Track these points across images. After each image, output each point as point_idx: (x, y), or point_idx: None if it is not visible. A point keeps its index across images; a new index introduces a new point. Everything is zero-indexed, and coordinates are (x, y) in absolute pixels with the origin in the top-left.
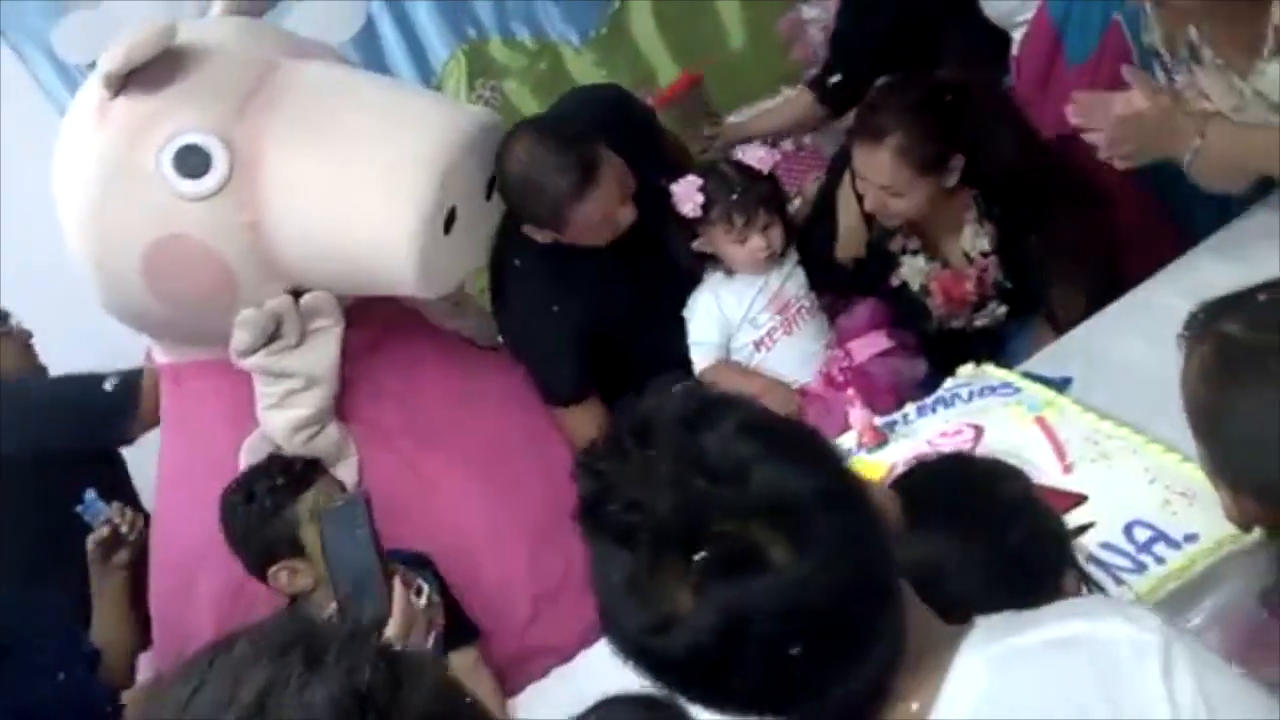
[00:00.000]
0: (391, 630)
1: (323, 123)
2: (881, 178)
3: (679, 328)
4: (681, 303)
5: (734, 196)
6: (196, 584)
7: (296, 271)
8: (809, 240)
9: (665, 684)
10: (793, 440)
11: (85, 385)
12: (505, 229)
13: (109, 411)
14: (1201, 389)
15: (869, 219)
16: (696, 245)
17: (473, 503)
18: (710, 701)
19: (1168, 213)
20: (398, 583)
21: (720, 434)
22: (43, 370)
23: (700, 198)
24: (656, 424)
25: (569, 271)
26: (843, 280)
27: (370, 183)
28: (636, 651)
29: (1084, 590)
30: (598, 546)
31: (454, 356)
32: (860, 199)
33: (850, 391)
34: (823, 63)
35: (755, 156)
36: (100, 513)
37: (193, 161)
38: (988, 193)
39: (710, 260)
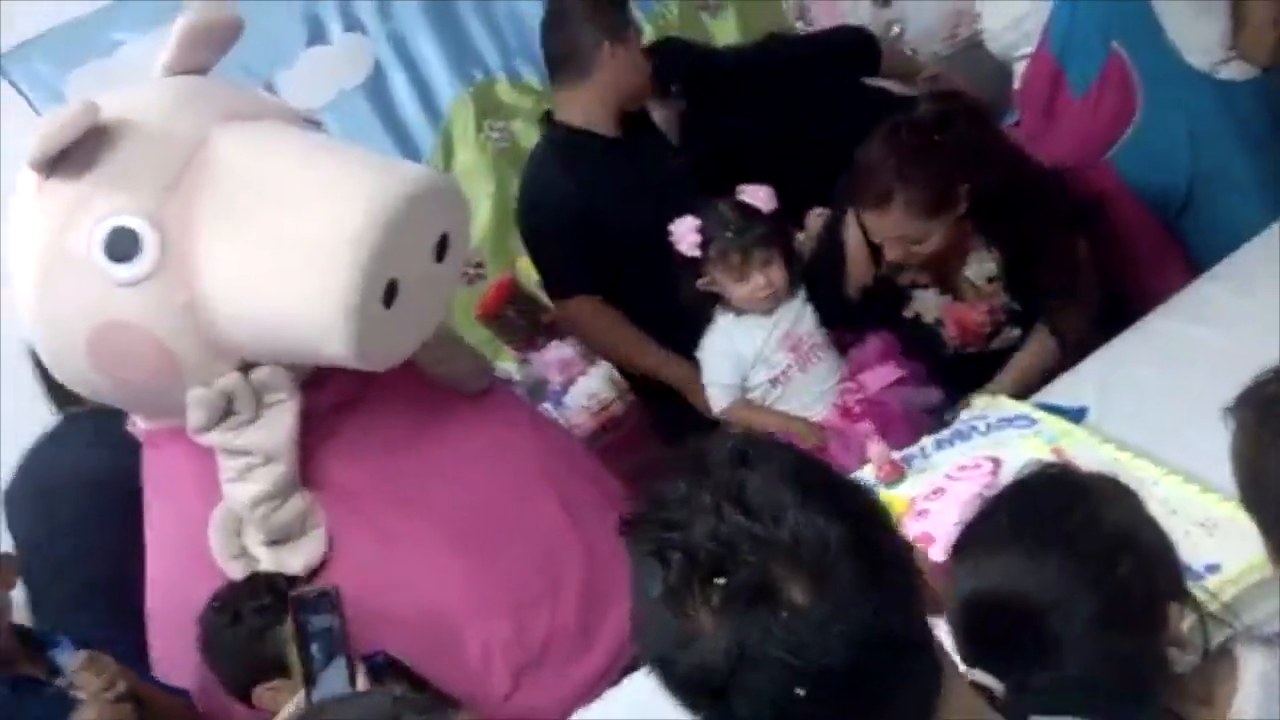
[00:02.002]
0: None
1: (254, 197)
2: (897, 233)
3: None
4: None
5: (729, 234)
6: (190, 645)
7: (241, 349)
8: (816, 275)
9: (680, 701)
10: (831, 493)
11: (121, 418)
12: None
13: (135, 445)
14: (1249, 453)
15: (875, 251)
16: (701, 284)
17: (452, 573)
18: None
19: (1176, 239)
20: (360, 676)
21: (763, 475)
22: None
23: (697, 237)
24: (709, 457)
25: (586, 158)
26: (853, 314)
27: (300, 261)
28: (660, 663)
29: (1195, 621)
30: (638, 559)
31: (438, 409)
32: (871, 244)
33: (867, 424)
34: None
35: (757, 196)
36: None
37: (123, 245)
38: (989, 220)
39: (720, 301)
